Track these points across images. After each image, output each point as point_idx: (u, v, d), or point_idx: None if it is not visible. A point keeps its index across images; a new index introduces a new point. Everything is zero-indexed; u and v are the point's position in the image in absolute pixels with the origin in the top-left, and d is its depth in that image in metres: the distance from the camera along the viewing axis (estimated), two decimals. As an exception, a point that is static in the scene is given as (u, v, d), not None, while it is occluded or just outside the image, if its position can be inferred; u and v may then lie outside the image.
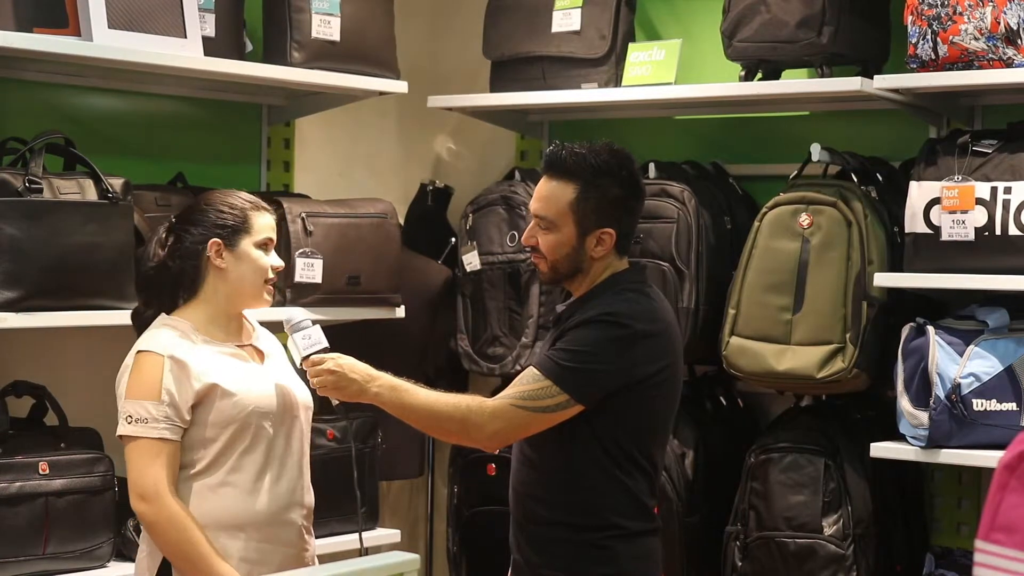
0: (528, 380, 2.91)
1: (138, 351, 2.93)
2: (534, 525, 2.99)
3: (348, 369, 2.94)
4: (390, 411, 2.96)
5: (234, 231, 2.97)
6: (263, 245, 3.01)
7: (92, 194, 3.36)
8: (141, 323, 3.03)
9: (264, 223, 3.01)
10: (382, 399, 2.94)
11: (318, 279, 3.81)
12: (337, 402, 3.01)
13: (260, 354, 3.07)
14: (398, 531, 4.12)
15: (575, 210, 2.97)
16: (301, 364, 2.99)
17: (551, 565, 2.96)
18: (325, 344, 2.98)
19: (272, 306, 3.16)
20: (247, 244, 2.98)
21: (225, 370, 2.95)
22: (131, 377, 2.90)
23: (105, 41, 3.40)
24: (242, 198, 3.03)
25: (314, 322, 3.03)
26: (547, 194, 3.01)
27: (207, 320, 2.98)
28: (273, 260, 3.02)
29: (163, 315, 3.01)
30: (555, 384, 2.88)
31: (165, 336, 2.93)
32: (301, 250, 3.77)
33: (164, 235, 3.02)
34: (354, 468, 3.17)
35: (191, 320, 2.97)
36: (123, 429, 2.90)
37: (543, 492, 2.98)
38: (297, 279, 3.76)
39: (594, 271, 3.01)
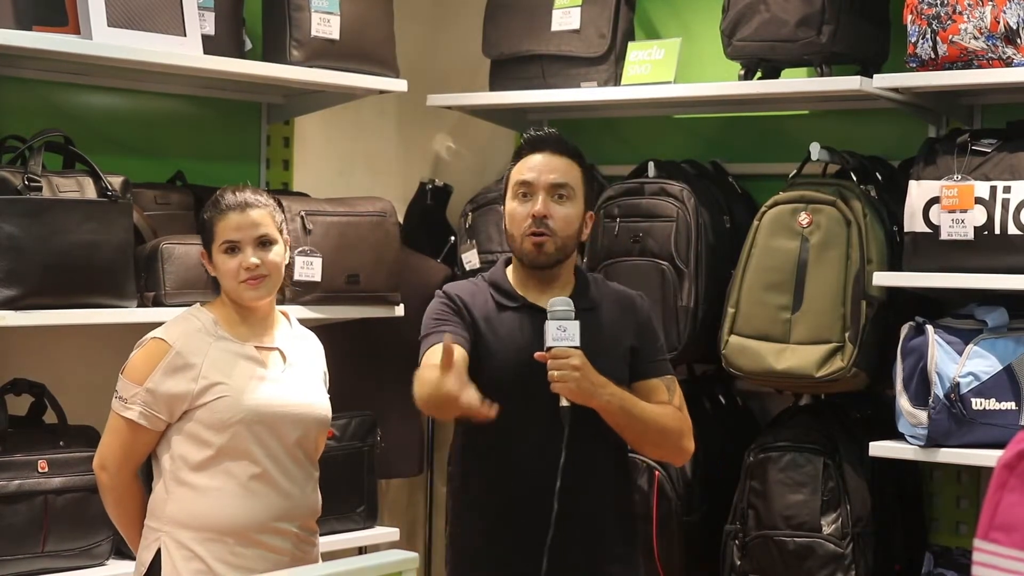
0: (674, 387, 3.03)
1: (153, 336, 2.98)
2: (603, 518, 3.00)
3: (589, 370, 2.84)
4: (613, 418, 2.89)
5: (207, 242, 3.03)
6: (228, 248, 2.99)
7: (91, 192, 3.36)
8: None
9: (226, 225, 2.99)
10: (612, 406, 2.87)
11: (317, 278, 3.81)
12: (567, 402, 2.83)
13: (285, 358, 3.07)
14: (396, 529, 4.11)
15: (583, 186, 2.98)
16: (546, 350, 2.86)
17: (611, 556, 3.00)
18: (576, 344, 2.85)
19: (277, 304, 3.17)
20: (216, 251, 3.02)
21: (231, 371, 2.96)
22: (134, 356, 2.98)
23: (104, 39, 3.40)
24: (220, 202, 3.03)
25: (576, 317, 2.88)
26: (561, 165, 2.96)
27: (227, 316, 3.03)
28: (244, 259, 2.98)
29: (197, 305, 3.07)
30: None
31: (185, 327, 2.98)
32: (300, 248, 3.77)
33: None
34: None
35: (217, 314, 3.02)
36: (113, 401, 2.98)
37: (614, 485, 3.03)
38: (296, 277, 3.76)
39: (572, 259, 3.02)
